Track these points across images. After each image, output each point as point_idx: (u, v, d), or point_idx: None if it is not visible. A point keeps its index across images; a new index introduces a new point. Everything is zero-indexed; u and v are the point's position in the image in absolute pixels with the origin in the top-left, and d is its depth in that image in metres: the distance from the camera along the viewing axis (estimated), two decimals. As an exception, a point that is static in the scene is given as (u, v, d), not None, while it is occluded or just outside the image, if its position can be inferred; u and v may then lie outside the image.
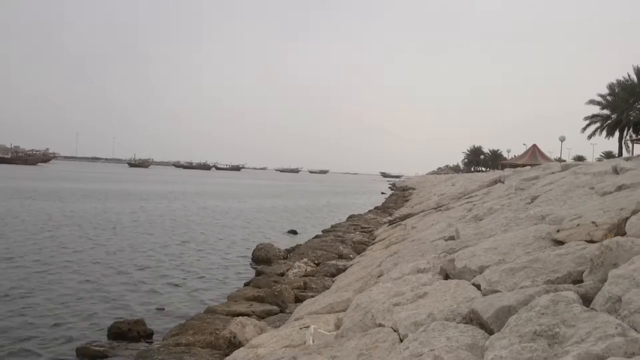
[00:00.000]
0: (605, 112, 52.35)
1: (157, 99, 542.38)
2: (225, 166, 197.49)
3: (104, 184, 55.26)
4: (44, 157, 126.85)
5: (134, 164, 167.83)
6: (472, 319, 3.26)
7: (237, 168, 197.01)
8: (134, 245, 16.72)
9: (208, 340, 6.59)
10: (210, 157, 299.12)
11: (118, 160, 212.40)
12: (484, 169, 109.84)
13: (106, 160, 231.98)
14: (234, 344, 6.32)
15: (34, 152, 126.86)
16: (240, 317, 7.19)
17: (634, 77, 49.03)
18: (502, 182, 15.52)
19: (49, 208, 26.47)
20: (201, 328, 7.30)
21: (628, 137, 49.68)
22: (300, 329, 5.48)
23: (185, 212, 28.89)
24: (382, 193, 68.91)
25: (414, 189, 60.92)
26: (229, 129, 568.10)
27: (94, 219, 22.83)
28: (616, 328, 2.26)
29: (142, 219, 24.31)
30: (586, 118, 53.23)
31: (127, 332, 7.86)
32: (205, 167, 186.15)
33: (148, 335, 7.94)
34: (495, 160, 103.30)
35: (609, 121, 51.57)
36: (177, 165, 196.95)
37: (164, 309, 9.70)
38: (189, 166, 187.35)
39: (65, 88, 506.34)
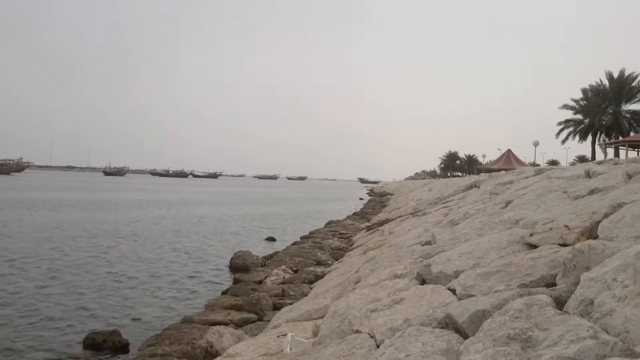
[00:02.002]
0: (578, 117, 53.22)
1: (132, 106, 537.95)
2: (202, 174, 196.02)
3: (80, 193, 54.44)
4: (18, 167, 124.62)
5: (110, 172, 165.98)
6: (448, 323, 3.27)
7: (214, 175, 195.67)
8: (110, 254, 16.49)
9: (184, 350, 6.52)
10: (186, 165, 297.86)
11: (93, 169, 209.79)
12: (460, 174, 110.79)
13: (81, 169, 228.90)
14: (210, 354, 6.27)
15: (7, 161, 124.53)
16: (217, 326, 7.14)
17: (606, 82, 49.93)
18: (478, 187, 15.64)
19: (26, 218, 26.03)
20: (178, 338, 7.22)
21: (601, 141, 50.45)
22: (278, 337, 5.44)
23: (162, 220, 28.60)
24: (360, 199, 69.07)
25: (391, 194, 61.12)
26: (205, 136, 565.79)
27: (70, 229, 22.46)
28: (588, 331, 2.28)
29: (119, 228, 24.00)
30: (560, 123, 54.00)
31: (102, 343, 7.75)
32: (182, 174, 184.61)
33: (123, 346, 7.83)
34: (470, 165, 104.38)
35: (581, 126, 52.40)
36: (154, 173, 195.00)
37: (140, 319, 9.57)
38: (166, 174, 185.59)
39: (39, 95, 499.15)
